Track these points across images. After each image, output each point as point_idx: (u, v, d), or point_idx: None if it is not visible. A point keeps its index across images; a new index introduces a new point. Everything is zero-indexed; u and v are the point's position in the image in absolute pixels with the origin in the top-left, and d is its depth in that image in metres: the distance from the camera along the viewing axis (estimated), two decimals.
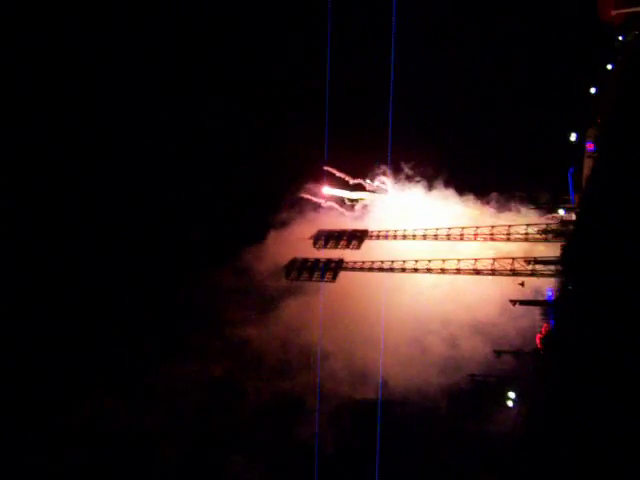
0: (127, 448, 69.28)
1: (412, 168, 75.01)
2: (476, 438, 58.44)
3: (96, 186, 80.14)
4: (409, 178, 75.29)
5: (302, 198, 77.76)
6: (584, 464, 37.18)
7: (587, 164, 59.34)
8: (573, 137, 63.15)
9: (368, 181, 78.27)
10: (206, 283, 74.71)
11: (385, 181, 77.23)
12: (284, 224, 75.42)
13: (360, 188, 78.92)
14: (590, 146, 59.14)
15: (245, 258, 74.55)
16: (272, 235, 75.27)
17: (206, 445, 70.19)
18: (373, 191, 78.19)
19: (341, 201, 79.19)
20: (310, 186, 78.08)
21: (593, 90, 63.02)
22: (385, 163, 76.49)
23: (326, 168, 77.66)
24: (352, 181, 78.65)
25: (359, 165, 78.44)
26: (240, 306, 73.90)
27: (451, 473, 60.25)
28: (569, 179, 63.16)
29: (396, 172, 76.30)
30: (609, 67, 64.04)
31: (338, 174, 78.21)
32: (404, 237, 68.32)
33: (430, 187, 73.79)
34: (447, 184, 72.77)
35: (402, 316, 66.94)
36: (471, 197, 71.75)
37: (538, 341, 55.23)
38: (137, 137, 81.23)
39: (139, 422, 69.63)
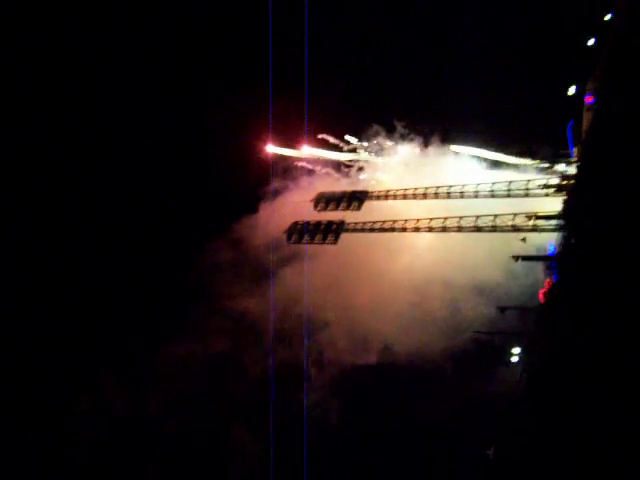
0: (129, 433, 71.00)
1: (406, 126, 74.55)
2: (481, 395, 59.21)
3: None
4: (404, 136, 74.84)
5: (295, 166, 77.42)
6: (586, 418, 37.62)
7: (586, 117, 58.83)
8: (572, 90, 62.44)
9: (363, 143, 77.58)
10: (202, 259, 75.43)
11: (380, 141, 76.60)
12: (279, 192, 75.53)
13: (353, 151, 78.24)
14: (589, 99, 58.55)
15: (241, 229, 75.07)
16: (269, 203, 75.48)
17: (208, 422, 71.55)
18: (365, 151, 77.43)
19: (337, 166, 78.64)
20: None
21: (592, 41, 62.10)
22: (379, 122, 75.92)
23: (321, 136, 77.00)
24: (347, 147, 77.98)
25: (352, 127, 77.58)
26: (240, 278, 74.76)
27: (455, 431, 61.10)
28: (568, 133, 62.73)
29: (390, 131, 75.78)
30: (608, 17, 63.02)
31: (332, 140, 77.47)
32: (404, 197, 68.17)
33: (427, 144, 73.53)
34: (444, 141, 72.57)
35: (403, 278, 67.28)
36: (470, 153, 71.54)
37: (541, 296, 55.50)
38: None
39: (140, 407, 71.41)
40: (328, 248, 69.71)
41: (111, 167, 79.84)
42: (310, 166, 77.80)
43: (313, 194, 73.08)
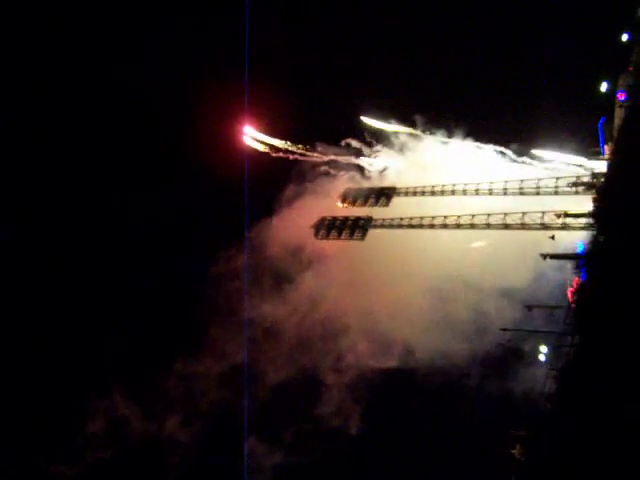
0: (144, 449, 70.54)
1: (434, 121, 73.66)
2: (508, 395, 58.91)
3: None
4: (432, 131, 74.02)
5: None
6: (617, 417, 37.28)
7: (618, 114, 58.04)
8: (604, 86, 61.62)
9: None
10: (217, 268, 74.06)
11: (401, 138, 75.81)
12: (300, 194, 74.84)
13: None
14: (621, 95, 57.79)
15: (260, 233, 74.14)
16: (289, 205, 74.63)
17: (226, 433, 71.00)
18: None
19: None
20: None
21: (625, 37, 61.23)
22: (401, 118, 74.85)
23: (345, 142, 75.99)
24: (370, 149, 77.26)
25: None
26: (258, 286, 73.94)
27: (483, 433, 60.76)
28: (600, 129, 61.99)
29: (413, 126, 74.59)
30: None
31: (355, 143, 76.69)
32: (432, 193, 67.96)
33: (455, 140, 72.82)
34: (474, 137, 71.90)
35: (429, 275, 66.89)
36: (498, 150, 70.94)
37: (570, 295, 54.95)
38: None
39: (155, 425, 70.51)
40: (348, 249, 69.89)
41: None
42: (332, 170, 76.98)
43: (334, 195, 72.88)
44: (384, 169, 76.54)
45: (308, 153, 75.77)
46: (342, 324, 70.20)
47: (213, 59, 78.04)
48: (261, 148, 76.11)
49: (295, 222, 72.50)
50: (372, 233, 67.90)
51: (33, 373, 72.76)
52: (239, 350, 72.31)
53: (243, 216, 73.43)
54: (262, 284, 74.14)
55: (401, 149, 75.46)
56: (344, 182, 76.06)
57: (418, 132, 73.51)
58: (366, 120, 75.77)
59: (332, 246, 71.22)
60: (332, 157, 76.13)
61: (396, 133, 74.95)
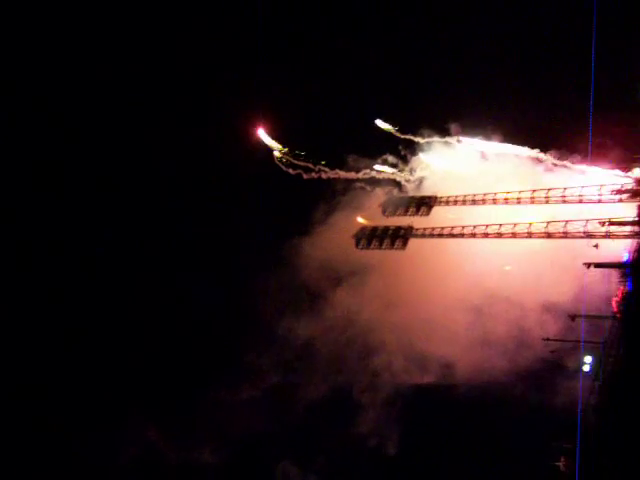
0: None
1: (469, 128, 72.77)
2: (551, 407, 58.17)
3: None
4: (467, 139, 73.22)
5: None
6: None
7: None
8: None
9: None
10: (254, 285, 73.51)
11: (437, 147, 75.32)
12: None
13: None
14: None
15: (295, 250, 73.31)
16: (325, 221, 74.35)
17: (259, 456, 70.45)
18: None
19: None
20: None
21: None
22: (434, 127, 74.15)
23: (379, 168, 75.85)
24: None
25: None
26: (293, 304, 73.11)
27: (526, 445, 60.06)
28: None
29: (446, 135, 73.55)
30: None
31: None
32: (473, 202, 67.54)
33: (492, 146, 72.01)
34: (512, 143, 70.86)
35: (469, 286, 66.45)
36: (539, 157, 70.04)
37: (615, 305, 54.26)
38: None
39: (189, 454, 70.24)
40: (386, 262, 69.74)
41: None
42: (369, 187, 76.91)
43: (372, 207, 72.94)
44: (421, 180, 76.14)
45: (341, 172, 76.02)
46: (378, 340, 69.98)
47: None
48: (292, 171, 76.76)
49: (330, 237, 72.58)
50: (410, 248, 67.71)
51: (66, 403, 72.56)
52: (275, 371, 72.54)
53: (277, 234, 74.06)
54: (297, 302, 73.71)
55: (437, 158, 74.94)
56: (380, 197, 75.76)
57: (453, 140, 73.11)
58: (397, 131, 75.68)
59: (369, 260, 71.20)
60: (367, 172, 76.25)
61: (430, 143, 74.65)
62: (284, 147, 75.59)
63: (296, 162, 76.47)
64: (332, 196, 75.06)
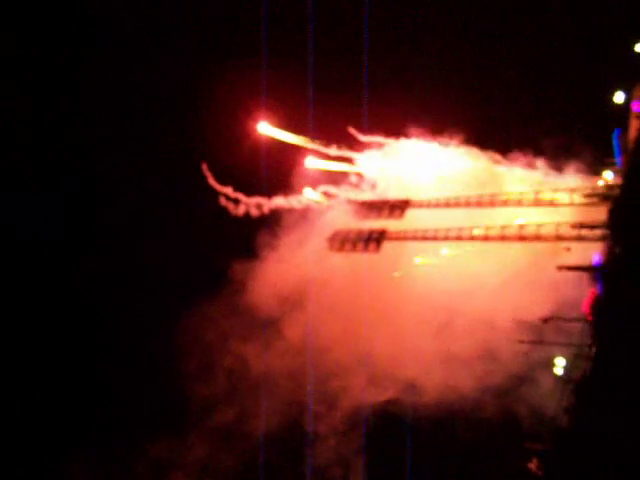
0: None
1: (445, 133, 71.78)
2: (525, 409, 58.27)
3: None
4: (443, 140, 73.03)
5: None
6: (636, 430, 37.02)
7: (633, 125, 57.69)
8: (618, 97, 61.31)
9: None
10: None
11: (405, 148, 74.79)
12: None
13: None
14: (636, 106, 57.54)
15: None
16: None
17: None
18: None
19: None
20: None
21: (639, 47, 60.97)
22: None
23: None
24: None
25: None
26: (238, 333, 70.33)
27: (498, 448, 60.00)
28: (614, 141, 61.64)
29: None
30: None
31: None
32: (447, 205, 67.58)
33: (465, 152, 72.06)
34: (484, 148, 71.01)
35: (436, 291, 66.26)
36: (511, 161, 70.35)
37: (586, 307, 54.69)
38: None
39: None
40: (349, 275, 69.13)
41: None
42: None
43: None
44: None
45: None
46: (337, 363, 67.40)
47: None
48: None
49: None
50: (375, 264, 67.51)
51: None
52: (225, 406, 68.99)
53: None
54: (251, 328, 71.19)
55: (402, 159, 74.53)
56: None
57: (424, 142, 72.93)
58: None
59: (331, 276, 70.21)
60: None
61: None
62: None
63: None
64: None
